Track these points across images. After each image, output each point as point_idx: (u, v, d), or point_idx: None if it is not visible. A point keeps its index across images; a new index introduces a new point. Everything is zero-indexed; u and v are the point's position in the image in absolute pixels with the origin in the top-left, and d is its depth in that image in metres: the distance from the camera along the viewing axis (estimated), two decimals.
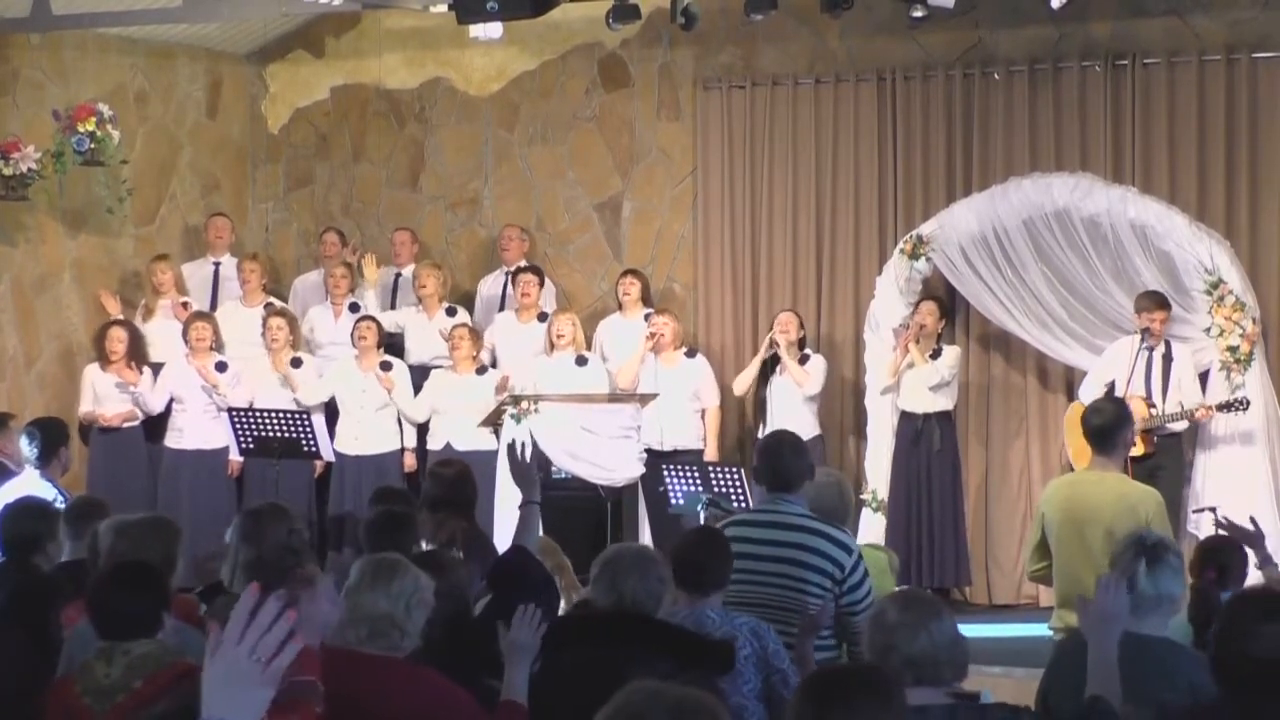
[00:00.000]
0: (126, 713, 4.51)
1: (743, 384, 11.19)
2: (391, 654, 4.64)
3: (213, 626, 2.66)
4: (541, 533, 6.43)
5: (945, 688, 4.13)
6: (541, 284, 11.77)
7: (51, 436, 8.26)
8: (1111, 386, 9.98)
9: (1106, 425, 6.83)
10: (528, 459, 6.01)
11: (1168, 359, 10.02)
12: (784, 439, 6.37)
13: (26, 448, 8.25)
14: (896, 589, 6.76)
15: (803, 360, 11.03)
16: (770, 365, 11.02)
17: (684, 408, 11.17)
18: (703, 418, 11.28)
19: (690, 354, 11.38)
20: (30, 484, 7.94)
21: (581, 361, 11.18)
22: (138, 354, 11.26)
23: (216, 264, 12.38)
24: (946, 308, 11.08)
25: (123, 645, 4.62)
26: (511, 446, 6.10)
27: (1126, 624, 4.73)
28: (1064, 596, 6.82)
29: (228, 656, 2.57)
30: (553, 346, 11.23)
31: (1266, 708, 4.12)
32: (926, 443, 10.78)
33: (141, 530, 5.76)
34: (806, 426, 10.50)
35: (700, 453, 11.05)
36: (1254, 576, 6.47)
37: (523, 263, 12.12)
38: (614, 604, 5.18)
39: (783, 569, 5.94)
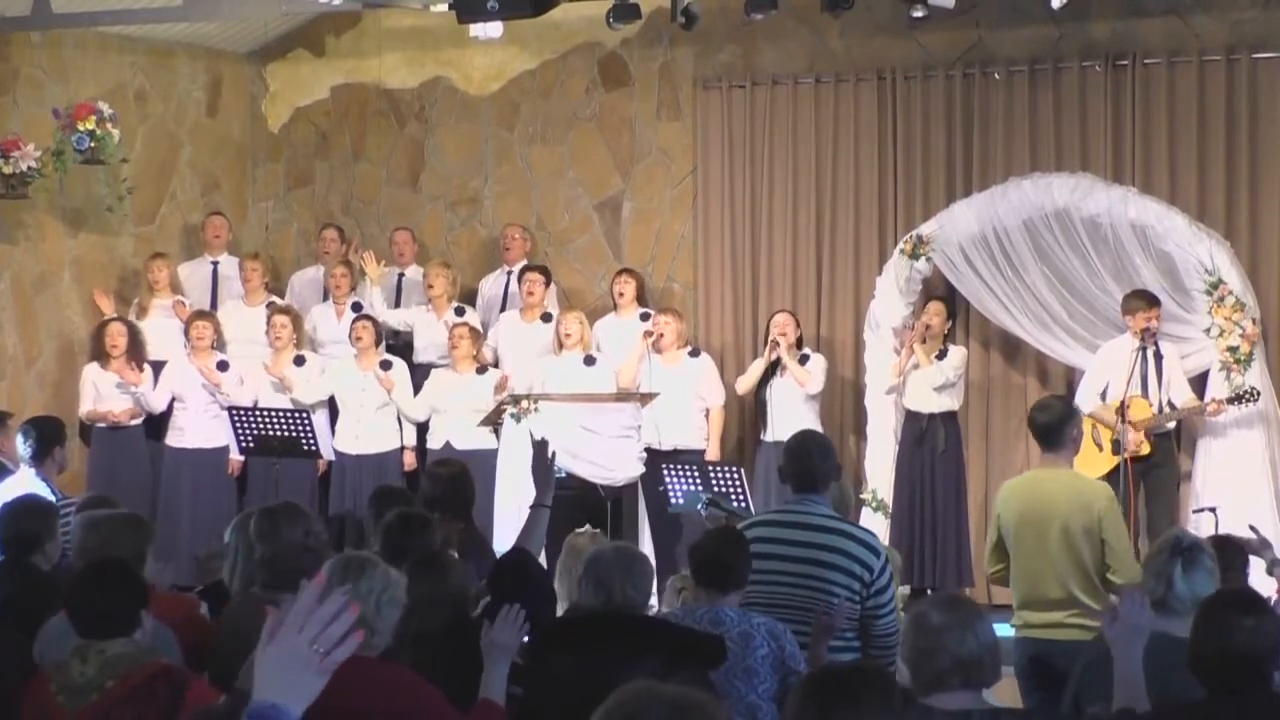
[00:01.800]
0: (98, 712, 4.52)
1: (745, 385, 11.18)
2: (362, 653, 4.62)
3: (271, 612, 2.70)
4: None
5: (983, 690, 4.11)
6: (548, 284, 11.76)
7: (47, 435, 8.21)
8: (1105, 388, 10.02)
9: (1053, 422, 6.87)
10: (554, 462, 5.98)
11: (1158, 357, 10.04)
12: (812, 440, 6.38)
13: (22, 446, 8.19)
14: (907, 588, 6.76)
15: (802, 360, 11.04)
16: (770, 367, 11.02)
17: (688, 407, 11.16)
18: (707, 417, 11.27)
19: (694, 353, 11.37)
20: (25, 483, 7.90)
21: (590, 361, 11.18)
22: (137, 352, 11.27)
23: (215, 263, 12.38)
24: (953, 309, 11.09)
25: (98, 644, 4.62)
26: (541, 445, 6.04)
27: (1162, 626, 4.73)
28: (1023, 597, 6.89)
29: (287, 643, 2.62)
30: (561, 346, 11.23)
31: (1246, 705, 4.11)
32: (931, 442, 10.79)
33: (113, 526, 5.77)
34: (808, 426, 10.47)
35: (703, 452, 11.04)
36: (1267, 583, 6.48)
37: (525, 262, 12.11)
38: (603, 603, 5.18)
39: (807, 570, 5.94)
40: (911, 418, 10.87)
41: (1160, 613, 4.94)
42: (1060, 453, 6.89)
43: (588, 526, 7.57)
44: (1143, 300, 10.04)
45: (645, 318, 11.48)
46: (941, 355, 10.82)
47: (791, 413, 10.69)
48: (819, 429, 10.83)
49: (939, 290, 11.18)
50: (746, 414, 11.59)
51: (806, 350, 11.18)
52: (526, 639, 5.11)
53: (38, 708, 4.63)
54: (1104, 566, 6.71)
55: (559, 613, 6.02)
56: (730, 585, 5.57)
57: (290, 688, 2.62)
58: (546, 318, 11.59)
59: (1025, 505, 6.86)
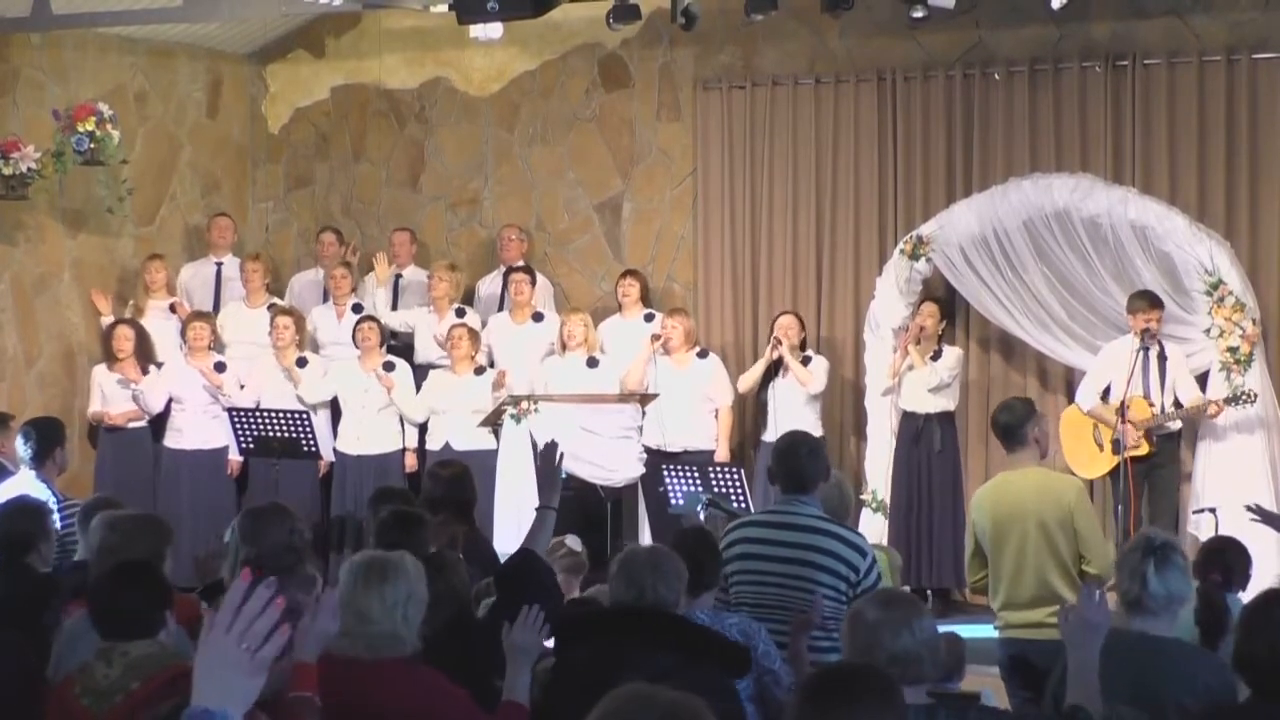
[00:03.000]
0: (123, 714, 4.50)
1: (746, 384, 11.18)
2: (390, 655, 4.62)
3: (206, 614, 2.65)
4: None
5: (927, 686, 4.12)
6: (533, 283, 11.74)
7: (47, 437, 8.20)
8: (1108, 388, 10.02)
9: (1013, 422, 6.97)
10: (559, 464, 5.93)
11: (1162, 358, 10.02)
12: (801, 440, 6.38)
13: (22, 448, 8.18)
14: (906, 588, 6.76)
15: (804, 362, 11.03)
16: (772, 368, 11.01)
17: (697, 408, 11.14)
18: (716, 417, 11.25)
19: (702, 354, 11.35)
20: (25, 484, 7.90)
21: (593, 363, 11.18)
22: (144, 353, 11.30)
23: (219, 264, 12.38)
24: (947, 309, 11.08)
25: (122, 646, 4.60)
26: (549, 447, 5.98)
27: (1140, 625, 4.70)
28: (1003, 598, 6.94)
29: (217, 645, 2.56)
30: (565, 347, 11.23)
31: None
32: (927, 443, 10.78)
33: (133, 526, 5.76)
34: (809, 427, 10.44)
35: (712, 453, 11.02)
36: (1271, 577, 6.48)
37: (518, 262, 12.11)
38: (634, 600, 5.15)
39: (794, 570, 5.96)
40: (908, 418, 10.86)
41: (1136, 612, 4.93)
42: (1023, 452, 6.98)
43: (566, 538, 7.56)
44: (1144, 300, 10.02)
45: (650, 319, 11.48)
46: (936, 356, 10.81)
47: (793, 413, 10.68)
48: (820, 430, 10.88)
49: (939, 291, 11.17)
50: (748, 414, 11.58)
51: (808, 352, 11.17)
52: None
53: (62, 711, 4.61)
54: (1080, 558, 6.74)
55: None
56: (701, 585, 5.55)
57: (226, 692, 2.56)
58: (538, 317, 11.59)
59: (997, 508, 6.91)
